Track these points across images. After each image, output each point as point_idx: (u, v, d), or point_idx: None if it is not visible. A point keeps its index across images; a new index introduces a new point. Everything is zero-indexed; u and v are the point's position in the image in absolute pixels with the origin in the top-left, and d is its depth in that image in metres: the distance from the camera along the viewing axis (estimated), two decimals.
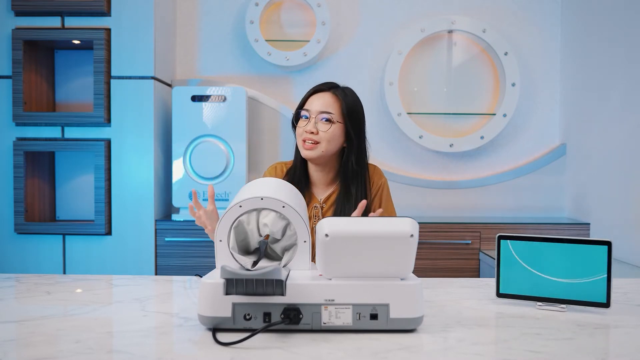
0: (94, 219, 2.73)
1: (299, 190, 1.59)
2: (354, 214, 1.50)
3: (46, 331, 0.97)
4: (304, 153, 1.59)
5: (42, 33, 2.72)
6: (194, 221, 2.76)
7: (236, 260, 1.03)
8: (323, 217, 1.62)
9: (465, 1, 3.21)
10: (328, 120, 1.56)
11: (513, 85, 3.10)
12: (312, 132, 1.55)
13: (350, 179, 1.60)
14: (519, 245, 1.17)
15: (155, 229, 2.77)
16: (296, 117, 1.62)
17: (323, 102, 1.57)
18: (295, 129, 1.64)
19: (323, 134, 1.55)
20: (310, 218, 1.63)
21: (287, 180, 1.59)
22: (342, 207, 1.58)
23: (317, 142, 1.56)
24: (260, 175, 3.09)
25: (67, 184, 3.02)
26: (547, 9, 3.23)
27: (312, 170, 1.66)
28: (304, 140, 1.57)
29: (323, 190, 1.66)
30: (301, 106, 1.61)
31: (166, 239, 2.76)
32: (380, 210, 1.52)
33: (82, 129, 2.77)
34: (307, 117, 1.58)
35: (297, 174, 1.64)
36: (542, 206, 3.21)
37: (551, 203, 3.22)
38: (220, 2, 3.21)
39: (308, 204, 1.63)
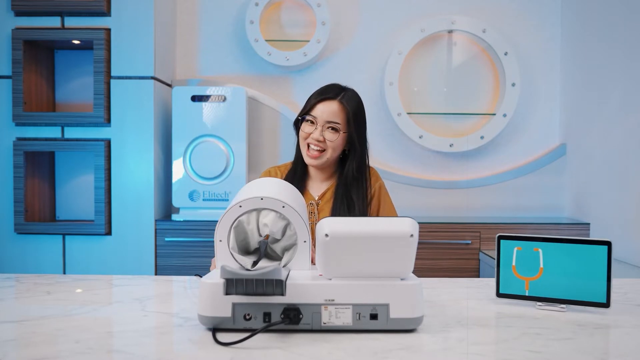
0: (94, 219, 2.73)
1: (296, 186, 1.61)
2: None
3: (46, 331, 0.97)
4: (309, 161, 1.61)
5: (42, 33, 2.71)
6: (193, 221, 2.78)
7: (236, 260, 1.03)
8: (318, 213, 1.64)
9: (465, 1, 3.21)
10: (335, 130, 1.58)
11: (513, 85, 3.10)
12: (319, 141, 1.58)
13: (350, 183, 1.62)
14: (519, 245, 1.17)
15: (155, 229, 2.77)
16: (301, 120, 1.64)
17: (330, 111, 1.58)
18: (297, 130, 1.66)
19: (330, 143, 1.59)
20: None
21: (286, 178, 1.62)
22: (339, 211, 1.59)
23: (322, 150, 1.59)
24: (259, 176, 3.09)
25: (67, 184, 3.02)
26: (547, 9, 3.22)
27: (311, 168, 1.69)
28: (309, 146, 1.60)
29: (318, 187, 1.68)
30: (307, 112, 1.61)
31: (166, 239, 2.76)
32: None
33: (82, 129, 2.77)
34: (312, 123, 1.60)
35: (298, 171, 1.67)
36: (542, 206, 3.21)
37: (551, 203, 3.21)
38: (220, 2, 3.21)
39: None
